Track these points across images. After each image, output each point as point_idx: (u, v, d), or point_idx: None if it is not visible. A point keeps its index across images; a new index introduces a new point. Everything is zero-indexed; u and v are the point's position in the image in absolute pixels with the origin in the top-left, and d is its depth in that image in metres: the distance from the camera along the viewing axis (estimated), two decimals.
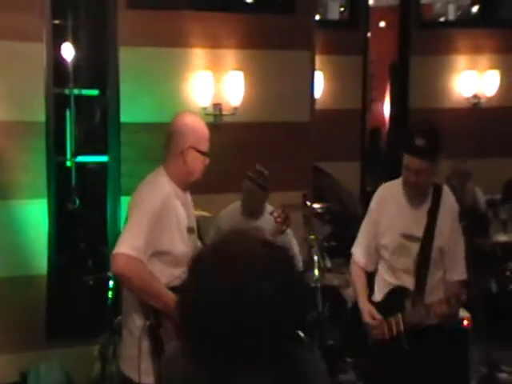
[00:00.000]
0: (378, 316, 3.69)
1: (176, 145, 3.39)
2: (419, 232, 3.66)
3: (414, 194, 3.68)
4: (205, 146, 3.42)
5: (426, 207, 3.69)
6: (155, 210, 3.27)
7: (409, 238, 3.68)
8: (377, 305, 3.77)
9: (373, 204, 3.84)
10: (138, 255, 3.20)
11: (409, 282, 3.69)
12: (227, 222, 4.77)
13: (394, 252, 3.72)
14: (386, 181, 3.92)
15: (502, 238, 6.40)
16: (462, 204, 3.98)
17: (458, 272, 3.72)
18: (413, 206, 3.71)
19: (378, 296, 3.82)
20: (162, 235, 3.30)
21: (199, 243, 3.66)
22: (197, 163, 3.40)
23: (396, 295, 3.71)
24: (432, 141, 3.53)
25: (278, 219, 3.96)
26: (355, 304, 3.87)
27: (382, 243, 3.77)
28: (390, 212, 3.75)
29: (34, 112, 4.91)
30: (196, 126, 3.43)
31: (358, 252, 3.88)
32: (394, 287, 3.73)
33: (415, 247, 3.67)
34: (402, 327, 3.64)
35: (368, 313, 3.71)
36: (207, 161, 3.44)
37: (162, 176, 3.41)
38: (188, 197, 3.54)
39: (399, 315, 3.66)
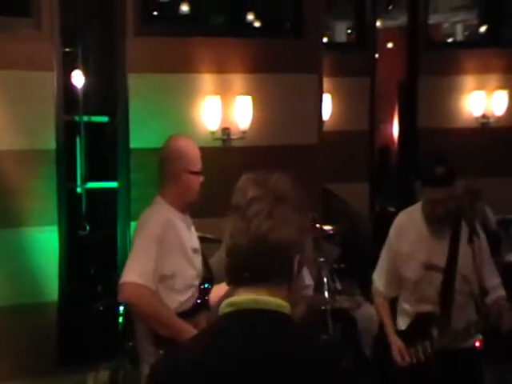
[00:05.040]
0: (408, 358, 3.66)
1: (169, 170, 3.45)
2: (442, 261, 3.62)
3: (440, 224, 3.64)
4: (197, 166, 3.50)
5: (447, 235, 3.65)
6: (156, 234, 3.30)
7: (432, 268, 3.63)
8: (402, 333, 3.74)
9: (392, 232, 3.80)
10: (146, 282, 3.22)
11: (433, 310, 3.66)
12: None
13: (418, 283, 3.69)
14: (395, 201, 3.91)
15: None
16: (473, 224, 3.94)
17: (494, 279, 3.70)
18: (434, 235, 3.67)
19: (401, 324, 3.79)
20: (164, 259, 3.32)
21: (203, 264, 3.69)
22: (192, 184, 3.47)
23: (422, 323, 3.68)
24: (448, 165, 3.56)
25: None
26: (380, 334, 3.86)
27: (404, 274, 3.73)
28: (410, 241, 3.71)
29: (44, 140, 4.96)
30: (186, 148, 3.50)
31: (379, 281, 3.87)
32: (419, 315, 3.69)
33: (438, 277, 3.63)
34: (429, 355, 3.61)
35: (398, 351, 3.69)
36: (201, 179, 3.51)
37: (160, 203, 3.45)
38: (188, 219, 3.58)
39: (427, 343, 3.62)
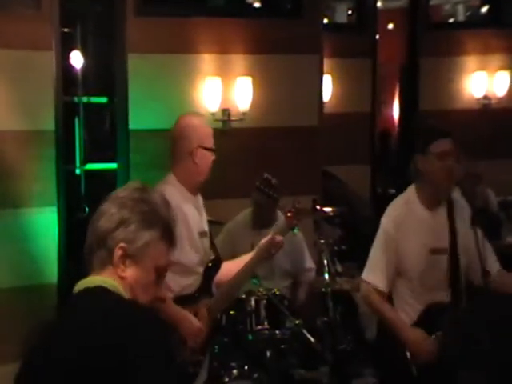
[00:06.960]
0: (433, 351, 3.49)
1: (183, 147, 3.46)
2: (445, 242, 3.53)
3: (443, 193, 3.57)
4: (210, 143, 3.53)
5: (443, 213, 3.57)
6: None
7: (437, 251, 3.54)
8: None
9: (390, 228, 3.60)
10: None
11: (443, 297, 3.54)
12: (240, 234, 4.72)
13: (425, 270, 3.54)
14: (396, 183, 3.86)
15: None
16: (474, 206, 3.91)
17: (494, 262, 3.63)
18: (432, 216, 3.58)
19: (406, 318, 3.59)
20: None
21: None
22: (206, 161, 3.49)
23: (433, 314, 3.53)
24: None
25: (288, 214, 3.74)
26: (382, 331, 3.72)
27: (408, 265, 3.57)
28: (413, 231, 3.58)
29: (43, 121, 4.91)
30: (199, 125, 3.53)
31: (378, 279, 3.61)
32: (429, 305, 3.54)
33: (444, 259, 3.53)
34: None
35: (423, 344, 3.48)
36: (213, 156, 3.52)
37: (171, 183, 3.44)
38: (199, 200, 3.57)
39: (439, 334, 3.48)
